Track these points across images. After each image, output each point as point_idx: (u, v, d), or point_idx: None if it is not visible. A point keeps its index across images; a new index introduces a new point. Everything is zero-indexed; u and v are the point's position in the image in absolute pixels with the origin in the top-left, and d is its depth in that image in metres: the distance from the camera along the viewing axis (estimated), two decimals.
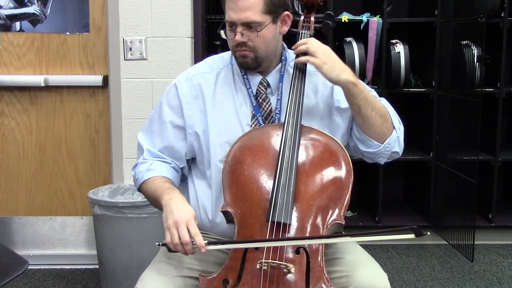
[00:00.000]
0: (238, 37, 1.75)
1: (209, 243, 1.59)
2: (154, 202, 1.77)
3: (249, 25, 1.74)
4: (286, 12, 1.80)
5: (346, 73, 1.71)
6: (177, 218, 1.59)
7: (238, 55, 1.80)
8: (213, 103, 1.84)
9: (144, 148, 1.88)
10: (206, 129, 1.83)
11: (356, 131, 1.81)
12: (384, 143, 1.78)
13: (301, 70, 1.78)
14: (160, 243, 1.62)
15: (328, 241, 1.62)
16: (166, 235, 1.59)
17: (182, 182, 1.93)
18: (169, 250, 1.61)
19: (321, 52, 1.71)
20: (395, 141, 1.80)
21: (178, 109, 1.85)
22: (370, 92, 1.80)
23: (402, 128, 1.84)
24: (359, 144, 1.81)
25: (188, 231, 1.57)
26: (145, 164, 1.84)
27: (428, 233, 1.51)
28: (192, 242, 1.57)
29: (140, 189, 1.85)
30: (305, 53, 1.74)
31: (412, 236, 1.51)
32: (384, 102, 1.84)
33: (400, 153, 1.84)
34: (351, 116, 1.81)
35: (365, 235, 1.59)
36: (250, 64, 1.80)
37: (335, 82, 1.72)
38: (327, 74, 1.70)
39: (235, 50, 1.80)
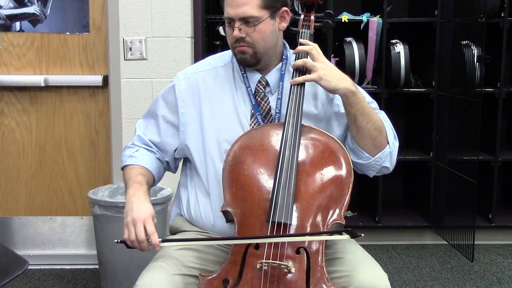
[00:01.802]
0: (236, 32, 1.76)
1: (163, 241, 1.65)
2: (125, 189, 1.81)
3: (246, 20, 1.74)
4: (285, 8, 1.81)
5: (345, 82, 1.71)
6: (135, 216, 1.64)
7: (237, 51, 1.81)
8: (211, 101, 1.85)
9: (137, 133, 1.93)
10: (202, 127, 1.84)
11: (349, 140, 1.82)
12: (375, 156, 1.79)
13: (301, 72, 1.77)
14: (119, 240, 1.66)
15: (259, 241, 1.61)
16: (124, 232, 1.64)
17: (183, 181, 1.94)
18: (127, 246, 1.66)
19: (318, 65, 1.71)
20: (386, 156, 1.80)
21: (173, 106, 1.88)
22: (370, 104, 1.80)
23: (397, 144, 1.84)
24: (351, 153, 1.81)
25: (145, 230, 1.62)
26: (131, 149, 1.89)
27: (363, 234, 1.56)
28: (148, 240, 1.62)
29: (122, 170, 1.89)
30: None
31: (347, 237, 1.56)
32: (382, 116, 1.85)
33: (391, 169, 1.85)
34: (347, 123, 1.81)
35: (303, 235, 1.61)
36: (249, 60, 1.80)
37: (333, 92, 1.73)
38: (325, 86, 1.71)
39: (233, 46, 1.81)
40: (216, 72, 1.89)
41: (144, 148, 1.89)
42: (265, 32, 1.77)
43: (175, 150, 1.90)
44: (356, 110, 1.72)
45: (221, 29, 1.82)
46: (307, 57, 1.76)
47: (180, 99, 1.87)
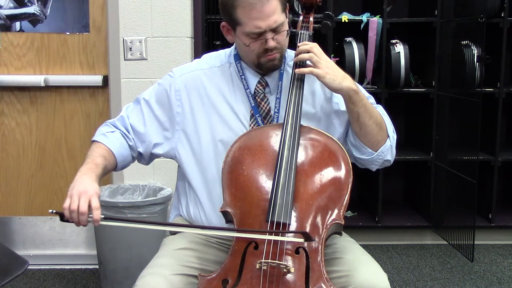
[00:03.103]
0: (272, 43, 1.74)
1: (105, 218, 1.62)
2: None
3: (276, 29, 1.74)
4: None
5: (348, 81, 1.71)
6: (81, 189, 1.63)
7: (264, 61, 1.78)
8: (208, 101, 1.85)
9: (121, 114, 1.92)
10: (197, 127, 1.83)
11: (351, 137, 1.82)
12: (378, 151, 1.79)
13: (302, 66, 1.77)
14: (54, 211, 1.64)
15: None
16: (65, 201, 1.63)
17: (181, 183, 1.94)
18: (62, 219, 1.64)
19: (323, 63, 1.70)
20: (388, 150, 1.81)
21: (166, 103, 1.87)
22: (369, 99, 1.81)
23: (395, 136, 1.85)
24: (353, 149, 1.82)
25: (90, 205, 1.60)
26: (107, 128, 1.89)
27: (316, 239, 1.57)
28: (89, 215, 1.60)
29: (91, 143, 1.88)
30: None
31: (302, 240, 1.56)
32: (380, 110, 1.85)
33: (392, 161, 1.86)
34: (347, 120, 1.81)
35: (253, 233, 1.61)
36: (277, 65, 1.81)
37: (336, 90, 1.72)
38: (329, 83, 1.70)
39: (261, 56, 1.78)
40: (213, 72, 1.88)
41: (120, 132, 1.87)
42: (286, 33, 1.78)
43: (154, 145, 1.88)
44: (359, 108, 1.73)
45: (247, 47, 1.76)
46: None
47: (176, 98, 1.86)
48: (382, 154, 1.80)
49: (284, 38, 1.76)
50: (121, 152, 1.84)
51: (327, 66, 1.71)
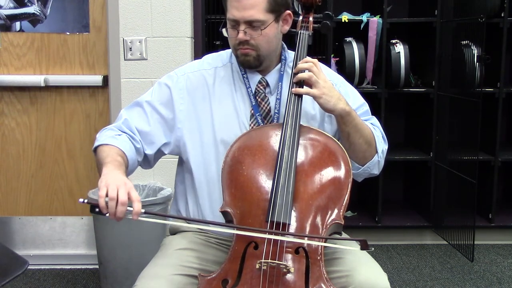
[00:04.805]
0: (241, 35, 1.76)
1: (146, 213, 1.52)
2: (99, 165, 1.69)
3: (252, 24, 1.74)
4: (288, 11, 1.81)
5: (341, 103, 1.72)
6: (120, 181, 1.54)
7: (239, 54, 1.80)
8: (210, 101, 1.85)
9: (124, 117, 1.85)
10: (200, 127, 1.83)
11: None
12: (364, 166, 1.82)
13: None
14: (86, 200, 1.53)
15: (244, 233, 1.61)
16: (101, 190, 1.50)
17: (180, 184, 1.93)
18: (93, 209, 1.51)
19: (321, 82, 1.71)
20: (375, 165, 1.84)
21: (168, 101, 1.86)
22: (362, 107, 1.85)
23: (386, 148, 1.87)
24: None
25: (129, 197, 1.51)
26: (113, 132, 1.81)
27: (373, 248, 1.57)
28: (128, 207, 1.50)
29: (96, 150, 1.77)
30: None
31: (358, 248, 1.56)
32: (374, 121, 1.88)
33: (378, 173, 1.89)
34: (337, 129, 1.83)
35: (313, 239, 1.60)
36: (252, 63, 1.80)
37: (330, 111, 1.73)
38: (324, 104, 1.71)
39: (236, 48, 1.80)
40: (215, 72, 1.89)
41: (127, 135, 1.82)
42: (269, 36, 1.78)
43: (163, 145, 1.85)
44: (350, 128, 1.75)
45: (224, 31, 1.81)
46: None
47: (179, 96, 1.86)
48: (368, 169, 1.83)
49: (258, 36, 1.75)
50: (131, 156, 1.79)
51: (324, 86, 1.71)
